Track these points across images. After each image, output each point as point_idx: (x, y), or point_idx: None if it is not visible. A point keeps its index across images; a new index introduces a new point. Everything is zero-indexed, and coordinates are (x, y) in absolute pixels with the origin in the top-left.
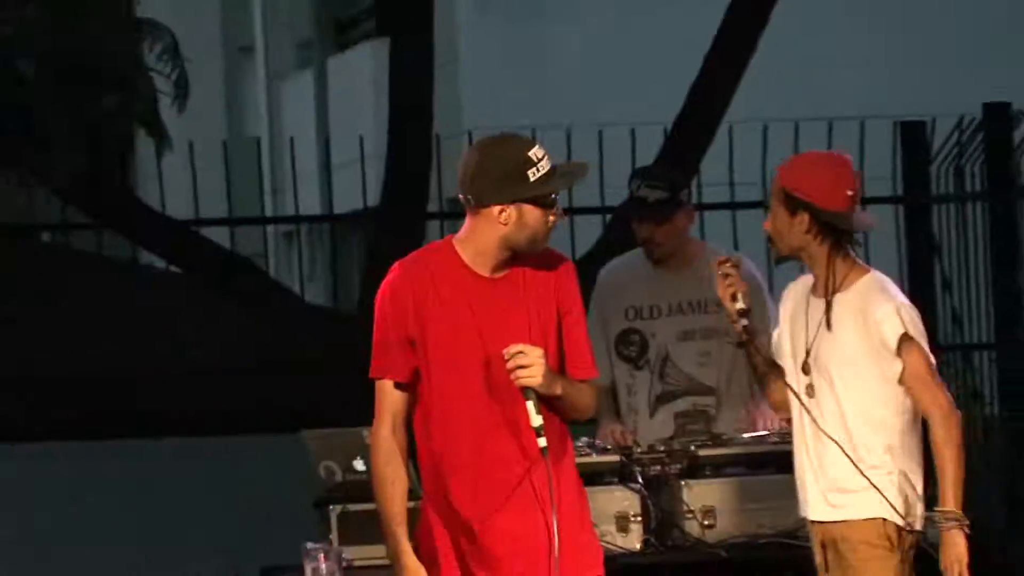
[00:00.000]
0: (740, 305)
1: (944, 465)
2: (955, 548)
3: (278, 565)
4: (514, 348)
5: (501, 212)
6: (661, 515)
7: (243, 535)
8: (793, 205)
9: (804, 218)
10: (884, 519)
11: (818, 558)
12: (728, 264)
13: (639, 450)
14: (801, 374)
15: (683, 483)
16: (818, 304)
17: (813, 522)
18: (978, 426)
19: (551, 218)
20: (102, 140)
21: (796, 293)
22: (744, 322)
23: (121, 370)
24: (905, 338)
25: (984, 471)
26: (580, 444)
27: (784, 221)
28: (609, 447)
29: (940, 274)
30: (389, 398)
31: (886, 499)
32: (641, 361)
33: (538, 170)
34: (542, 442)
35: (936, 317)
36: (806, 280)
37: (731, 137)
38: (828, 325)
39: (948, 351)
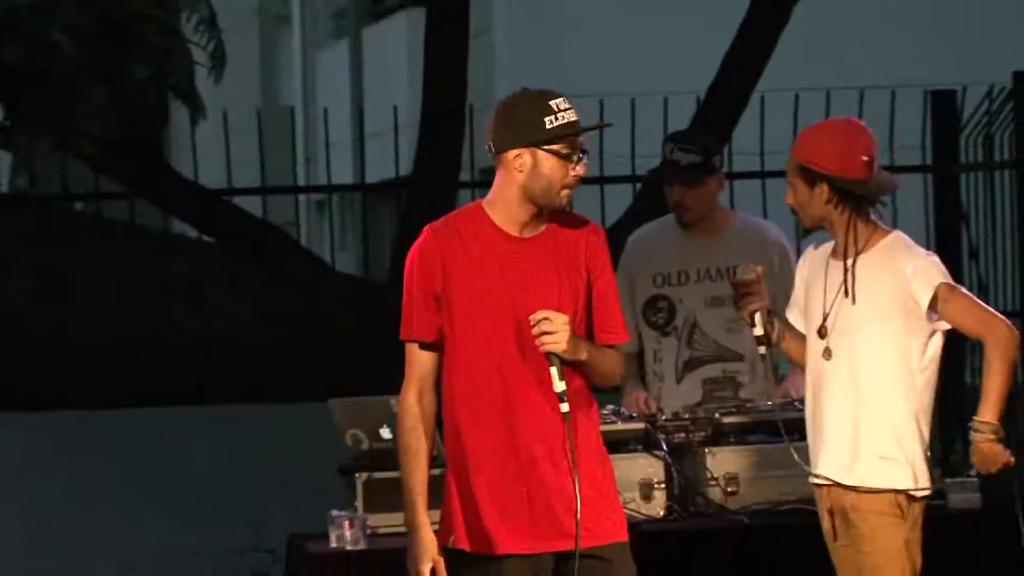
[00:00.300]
0: (757, 331)
1: (991, 378)
2: (990, 450)
3: (304, 532)
4: (540, 314)
5: (516, 158)
6: (684, 482)
7: (271, 503)
8: (811, 178)
9: (823, 189)
10: (896, 490)
11: (826, 524)
12: (752, 278)
13: (663, 417)
14: (818, 338)
15: (707, 450)
16: (837, 267)
17: (821, 487)
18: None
19: (572, 172)
20: (136, 109)
21: (814, 259)
22: (761, 350)
23: (153, 339)
24: (945, 287)
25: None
26: (605, 412)
27: (804, 194)
28: (634, 415)
29: (967, 243)
30: (417, 361)
31: (901, 470)
32: (668, 327)
33: (556, 119)
34: (564, 407)
35: (963, 285)
36: (826, 246)
37: (762, 106)
38: (847, 291)
39: None
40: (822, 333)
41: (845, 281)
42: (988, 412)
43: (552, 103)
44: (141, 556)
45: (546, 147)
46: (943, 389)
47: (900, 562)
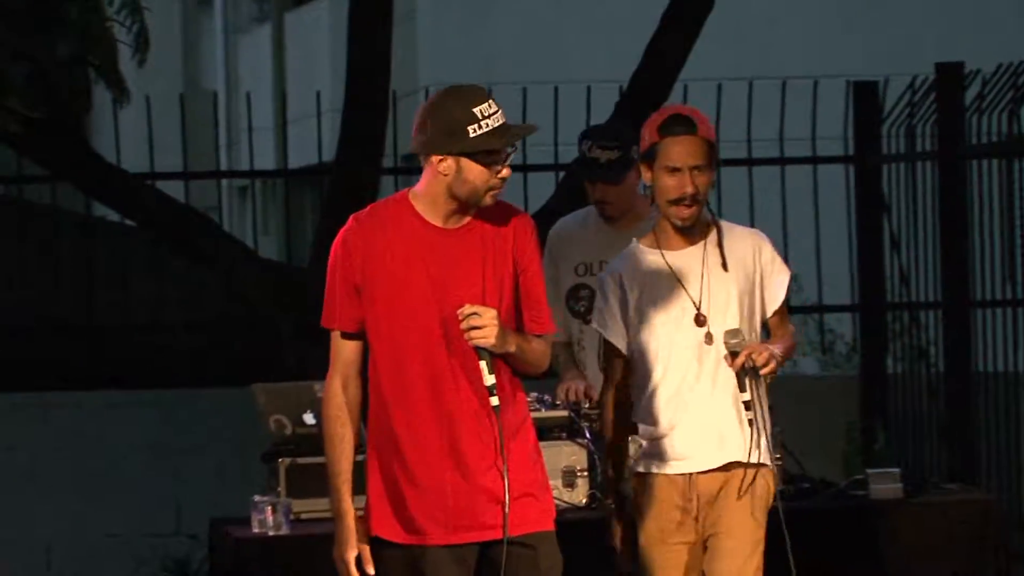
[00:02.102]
0: (745, 396)
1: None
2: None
3: (227, 517)
4: (468, 308)
5: (441, 162)
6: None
7: (193, 488)
8: (714, 159)
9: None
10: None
11: (676, 515)
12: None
13: (587, 406)
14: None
15: (629, 438)
16: (688, 254)
17: (701, 474)
18: (924, 385)
19: (496, 175)
20: (58, 92)
21: (636, 259)
22: (748, 415)
23: (74, 323)
24: None
25: (930, 429)
26: (530, 399)
27: (709, 177)
28: (559, 403)
29: (889, 233)
30: (341, 350)
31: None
32: (590, 316)
33: (479, 127)
34: (494, 400)
35: (884, 276)
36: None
37: (685, 95)
38: (725, 268)
39: (896, 310)
40: (700, 320)
41: (724, 260)
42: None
43: (477, 110)
44: (61, 540)
45: (469, 156)
46: (864, 378)
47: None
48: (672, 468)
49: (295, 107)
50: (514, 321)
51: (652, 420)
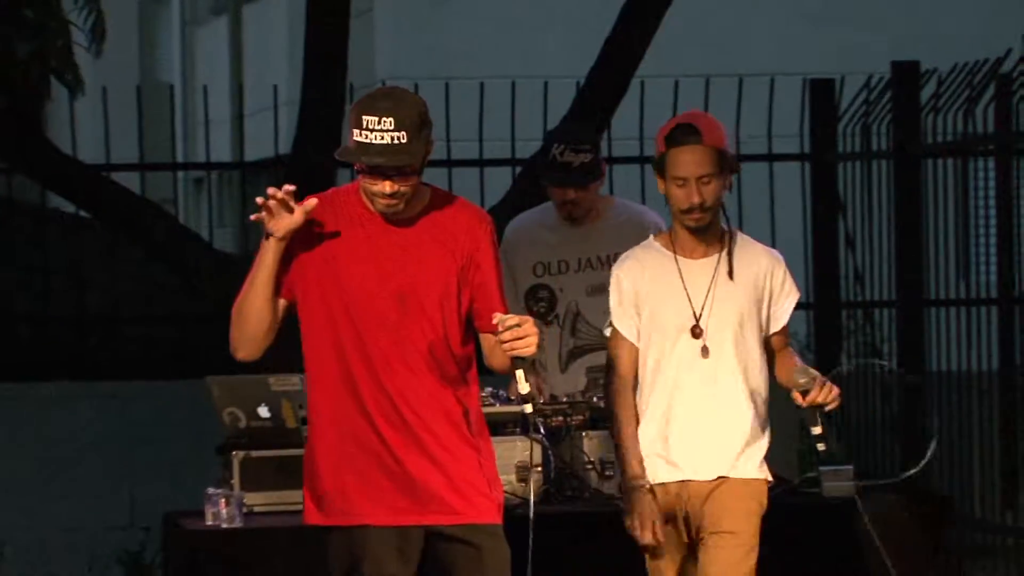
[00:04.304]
0: (816, 430)
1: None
2: None
3: (181, 510)
4: (510, 320)
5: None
6: (561, 466)
7: (148, 480)
8: (726, 165)
9: (729, 178)
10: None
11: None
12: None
13: (541, 401)
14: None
15: (583, 434)
16: (700, 264)
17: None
18: (878, 383)
19: (378, 188)
20: (13, 83)
21: (648, 263)
22: (820, 447)
23: (30, 314)
24: None
25: (882, 427)
26: (484, 394)
27: (720, 185)
28: (513, 398)
29: (844, 232)
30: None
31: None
32: (550, 316)
33: (356, 136)
34: (528, 408)
35: (839, 274)
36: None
37: (642, 92)
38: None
39: (850, 308)
40: (696, 333)
41: (732, 271)
42: None
43: (365, 118)
44: (14, 534)
45: (344, 164)
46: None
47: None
48: (661, 477)
49: (252, 100)
50: (463, 317)
51: (644, 428)
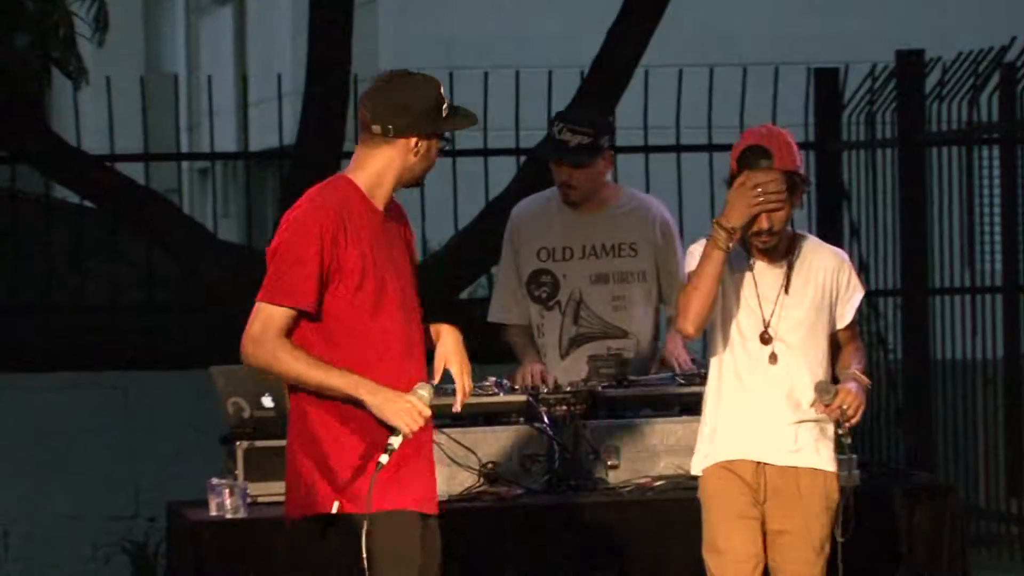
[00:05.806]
0: (840, 432)
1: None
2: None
3: (185, 500)
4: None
5: (417, 143)
6: (565, 455)
7: (152, 470)
8: (797, 186)
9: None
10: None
11: (744, 496)
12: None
13: (545, 390)
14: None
15: (587, 424)
16: (772, 269)
17: (767, 465)
18: (883, 371)
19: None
20: (17, 73)
21: (733, 259)
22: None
23: (34, 304)
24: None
25: (888, 416)
26: (487, 383)
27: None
28: (517, 387)
29: (849, 221)
30: (282, 325)
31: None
32: (552, 302)
33: (447, 108)
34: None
35: None
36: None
37: (647, 81)
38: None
39: None
40: (765, 339)
41: (796, 276)
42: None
43: (442, 91)
44: (18, 523)
45: (439, 137)
46: None
47: None
48: (737, 455)
49: (256, 89)
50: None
51: (714, 420)
